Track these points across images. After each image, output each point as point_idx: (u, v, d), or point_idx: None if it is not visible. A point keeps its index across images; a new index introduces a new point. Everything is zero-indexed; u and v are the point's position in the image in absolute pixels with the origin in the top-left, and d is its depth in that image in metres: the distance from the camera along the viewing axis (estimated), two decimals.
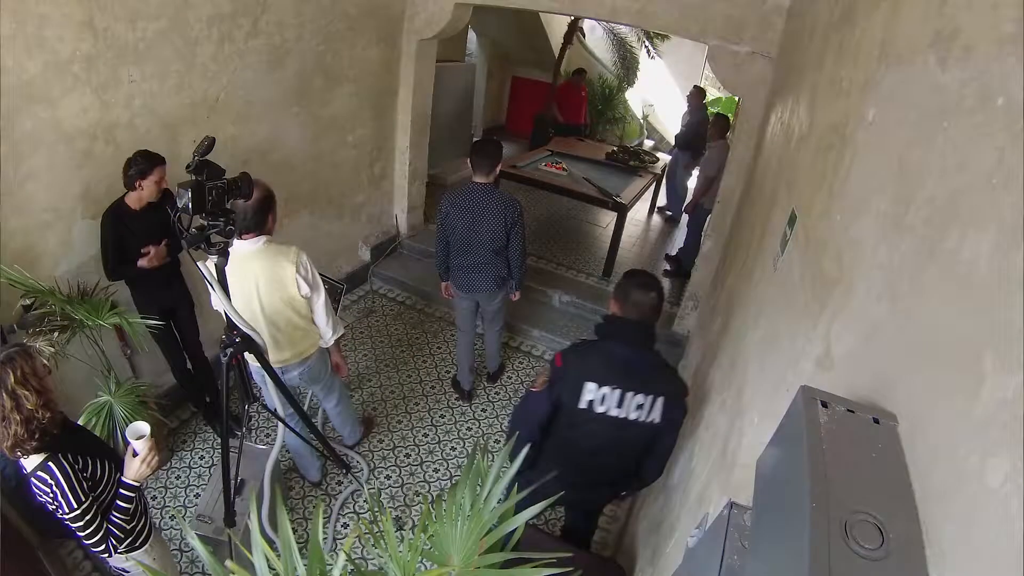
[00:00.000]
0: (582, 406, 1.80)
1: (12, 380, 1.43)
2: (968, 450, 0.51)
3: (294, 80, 3.29)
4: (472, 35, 7.97)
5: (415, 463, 3.12)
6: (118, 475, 1.64)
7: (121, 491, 1.63)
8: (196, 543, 1.08)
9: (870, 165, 0.97)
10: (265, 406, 2.41)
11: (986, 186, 0.58)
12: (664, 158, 6.52)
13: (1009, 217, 0.52)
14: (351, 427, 3.03)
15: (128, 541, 1.68)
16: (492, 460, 1.40)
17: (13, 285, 2.08)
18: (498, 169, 2.88)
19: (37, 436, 1.47)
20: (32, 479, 1.50)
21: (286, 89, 3.27)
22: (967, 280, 0.58)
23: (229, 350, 2.02)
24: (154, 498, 2.75)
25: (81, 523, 1.53)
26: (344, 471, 2.88)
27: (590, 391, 1.79)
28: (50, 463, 1.49)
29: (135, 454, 1.62)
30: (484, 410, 3.55)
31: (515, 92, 8.97)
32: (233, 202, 1.83)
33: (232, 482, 2.15)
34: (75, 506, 1.51)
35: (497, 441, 3.30)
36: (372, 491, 2.90)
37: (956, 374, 0.56)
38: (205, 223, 1.79)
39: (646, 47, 8.79)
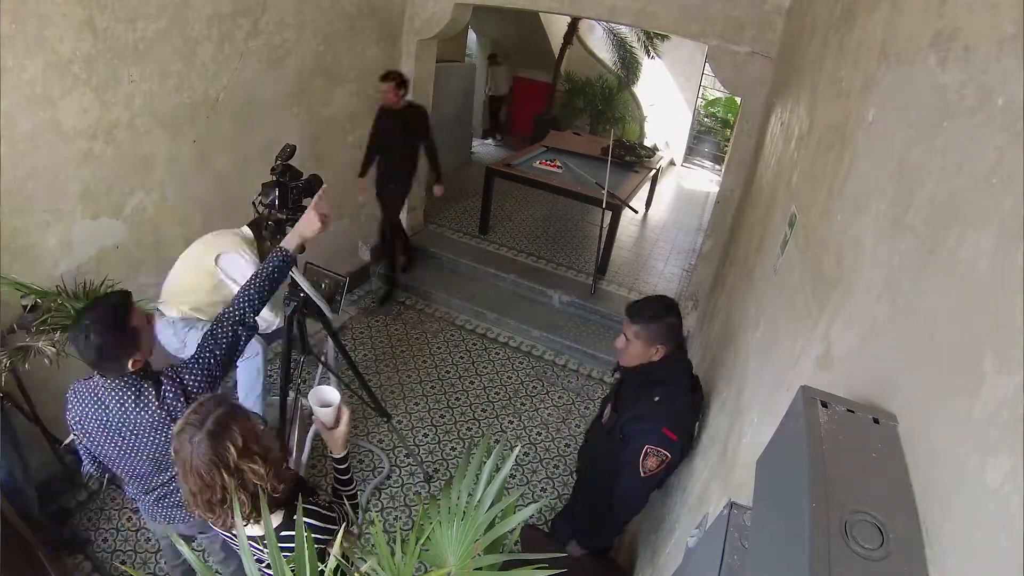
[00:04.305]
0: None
1: (236, 455, 1.08)
2: (968, 450, 0.51)
3: (294, 80, 3.29)
4: (472, 35, 7.97)
5: (415, 463, 3.12)
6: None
7: (337, 476, 1.40)
8: (184, 548, 1.08)
9: (870, 165, 0.97)
10: (318, 358, 2.63)
11: (986, 186, 0.57)
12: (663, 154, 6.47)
13: (1009, 217, 0.52)
14: None
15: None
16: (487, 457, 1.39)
17: (17, 289, 2.08)
18: None
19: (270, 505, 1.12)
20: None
21: (286, 89, 3.27)
22: (967, 280, 0.58)
23: (294, 303, 2.39)
24: None
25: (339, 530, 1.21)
26: (386, 419, 2.93)
27: (695, 430, 1.88)
28: (295, 519, 1.11)
29: (330, 426, 1.35)
30: (484, 410, 3.55)
31: (516, 92, 8.95)
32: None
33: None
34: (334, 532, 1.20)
35: (497, 441, 3.30)
36: (362, 504, 2.89)
37: (956, 374, 0.56)
38: (283, 217, 2.15)
39: (645, 47, 8.77)
